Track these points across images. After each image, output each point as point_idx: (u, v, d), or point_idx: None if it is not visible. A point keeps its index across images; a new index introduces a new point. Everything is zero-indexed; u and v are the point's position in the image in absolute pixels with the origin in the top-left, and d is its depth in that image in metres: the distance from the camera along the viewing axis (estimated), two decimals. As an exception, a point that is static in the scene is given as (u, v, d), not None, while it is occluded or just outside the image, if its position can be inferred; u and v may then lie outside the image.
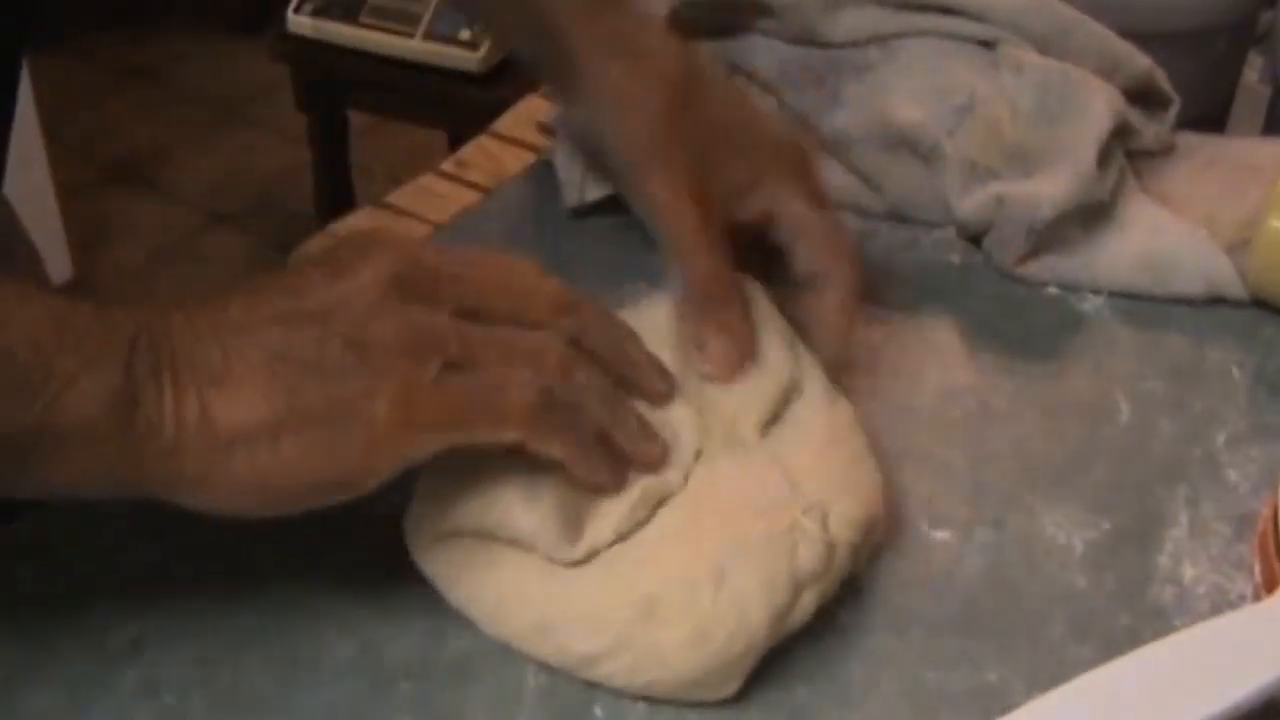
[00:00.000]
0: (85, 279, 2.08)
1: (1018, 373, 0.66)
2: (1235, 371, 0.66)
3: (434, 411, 0.49)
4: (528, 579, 0.52)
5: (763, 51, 0.76)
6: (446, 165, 0.80)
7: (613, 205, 0.70)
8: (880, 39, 0.75)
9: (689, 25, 0.77)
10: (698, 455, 0.55)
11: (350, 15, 1.83)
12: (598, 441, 0.52)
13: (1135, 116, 0.74)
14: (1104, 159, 0.70)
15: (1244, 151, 0.77)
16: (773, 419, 0.57)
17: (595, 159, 0.67)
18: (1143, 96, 0.75)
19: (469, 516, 0.52)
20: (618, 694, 0.51)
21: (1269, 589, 0.53)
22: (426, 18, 1.80)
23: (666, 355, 0.57)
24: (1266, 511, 0.55)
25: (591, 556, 0.52)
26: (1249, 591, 0.55)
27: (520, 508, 0.52)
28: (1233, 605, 0.55)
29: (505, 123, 0.83)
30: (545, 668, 0.52)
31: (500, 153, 0.81)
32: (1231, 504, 0.59)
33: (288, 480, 0.48)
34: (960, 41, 0.74)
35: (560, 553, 0.52)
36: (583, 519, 0.52)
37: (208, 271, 2.15)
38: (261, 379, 0.47)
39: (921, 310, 0.69)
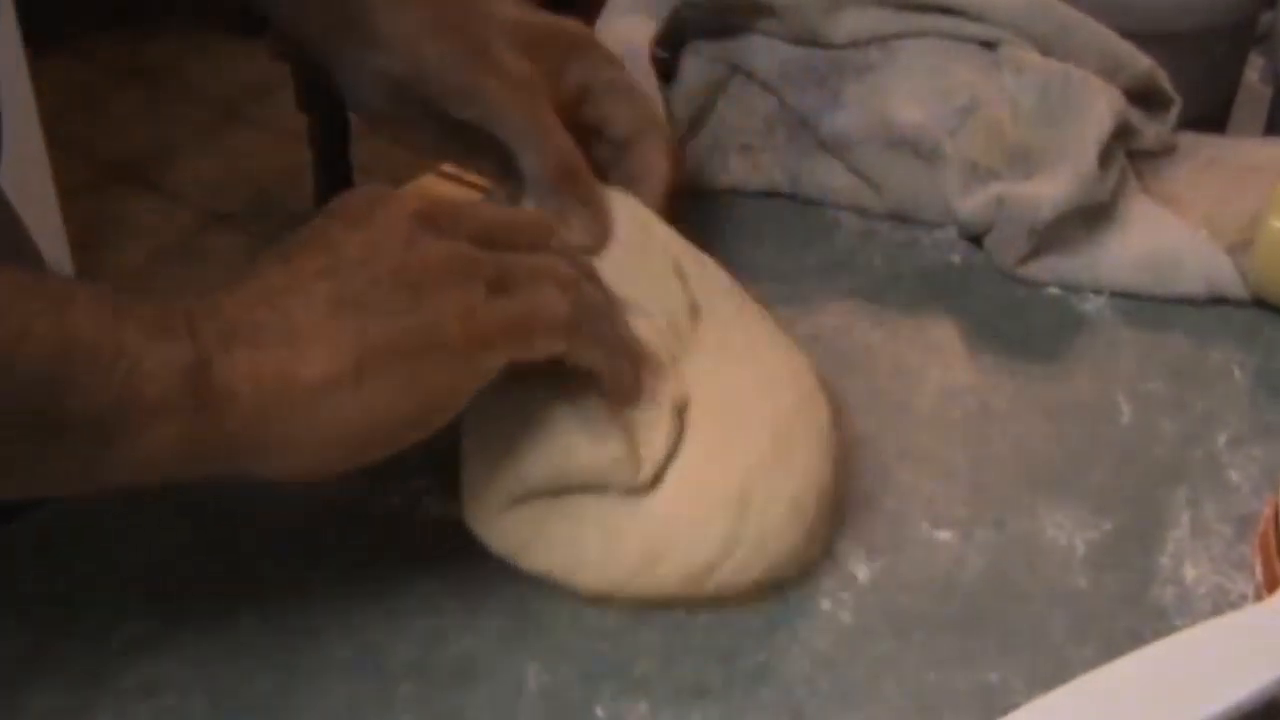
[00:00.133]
0: (85, 279, 2.07)
1: (1018, 373, 0.66)
2: (1236, 372, 0.66)
3: (495, 327, 0.50)
4: (615, 518, 0.54)
5: (763, 52, 0.76)
6: (447, 165, 0.80)
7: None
8: (881, 39, 0.75)
9: (689, 25, 0.77)
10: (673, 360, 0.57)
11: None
12: (620, 348, 0.55)
13: (1136, 117, 0.74)
14: (1105, 159, 0.70)
15: (1245, 152, 0.77)
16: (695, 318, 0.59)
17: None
18: (1144, 97, 0.75)
19: (536, 474, 0.53)
20: (618, 693, 0.51)
21: (1270, 589, 0.53)
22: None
23: None
24: (1267, 512, 0.55)
25: (656, 474, 0.54)
26: (1250, 592, 0.55)
27: (585, 445, 0.53)
28: (1234, 605, 0.54)
29: (506, 123, 0.83)
30: (546, 667, 0.52)
31: (501, 153, 0.81)
32: (1233, 504, 0.59)
33: (376, 423, 0.49)
34: (961, 42, 0.74)
35: (632, 477, 0.53)
36: (636, 440, 0.54)
37: (208, 271, 2.15)
38: (328, 330, 0.48)
39: (922, 310, 0.69)
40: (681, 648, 0.53)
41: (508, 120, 0.61)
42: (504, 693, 0.51)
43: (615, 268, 0.59)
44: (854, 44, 0.75)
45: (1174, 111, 0.75)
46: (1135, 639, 0.52)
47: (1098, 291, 0.70)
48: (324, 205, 0.53)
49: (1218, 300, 0.69)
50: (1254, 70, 0.87)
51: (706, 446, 0.55)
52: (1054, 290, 0.70)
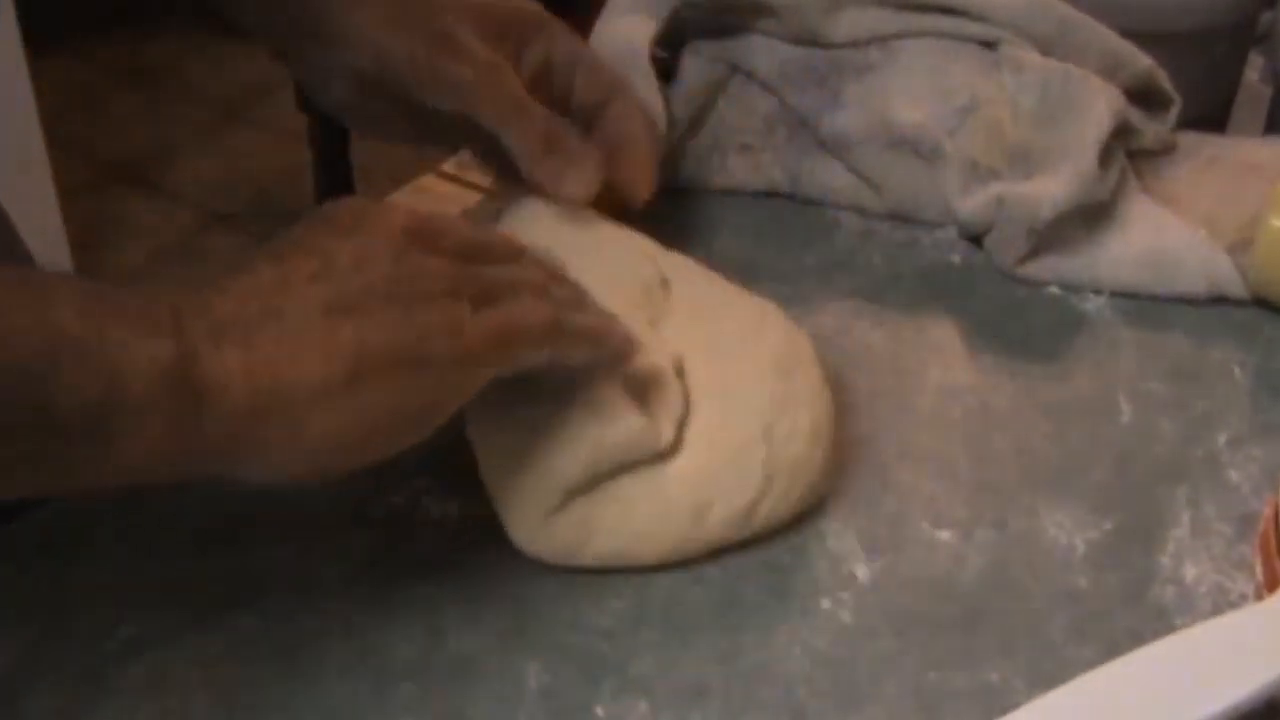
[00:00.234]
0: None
1: (1019, 373, 0.66)
2: (1237, 371, 0.66)
3: (482, 342, 0.51)
4: (656, 486, 0.55)
5: (763, 52, 0.76)
6: (447, 165, 0.80)
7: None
8: (881, 39, 0.75)
9: (689, 25, 0.77)
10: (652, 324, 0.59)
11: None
12: (602, 327, 0.56)
13: (1136, 116, 0.74)
14: (1105, 159, 0.70)
15: (1245, 151, 0.77)
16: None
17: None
18: (1144, 96, 0.75)
19: (570, 477, 0.54)
20: (618, 693, 0.51)
21: (1270, 588, 0.53)
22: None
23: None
24: (1268, 511, 0.55)
25: (680, 430, 0.55)
26: (1250, 591, 0.55)
27: (605, 430, 0.54)
28: (1234, 605, 0.54)
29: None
30: (546, 667, 0.52)
31: (501, 153, 0.81)
32: (1233, 504, 0.59)
33: (366, 430, 0.49)
34: (961, 42, 0.74)
35: (657, 442, 0.55)
36: (651, 403, 0.55)
37: (208, 271, 2.13)
38: (323, 333, 0.48)
39: (922, 310, 0.69)
40: (681, 648, 0.53)
41: (484, 104, 0.62)
42: (504, 693, 0.51)
43: (586, 250, 0.60)
44: (854, 44, 0.75)
45: (1174, 111, 0.75)
46: (1135, 639, 0.52)
47: (1098, 291, 0.70)
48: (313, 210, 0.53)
49: (1218, 300, 0.69)
50: (1254, 70, 0.87)
51: (716, 395, 0.57)
52: (1054, 290, 0.70)
